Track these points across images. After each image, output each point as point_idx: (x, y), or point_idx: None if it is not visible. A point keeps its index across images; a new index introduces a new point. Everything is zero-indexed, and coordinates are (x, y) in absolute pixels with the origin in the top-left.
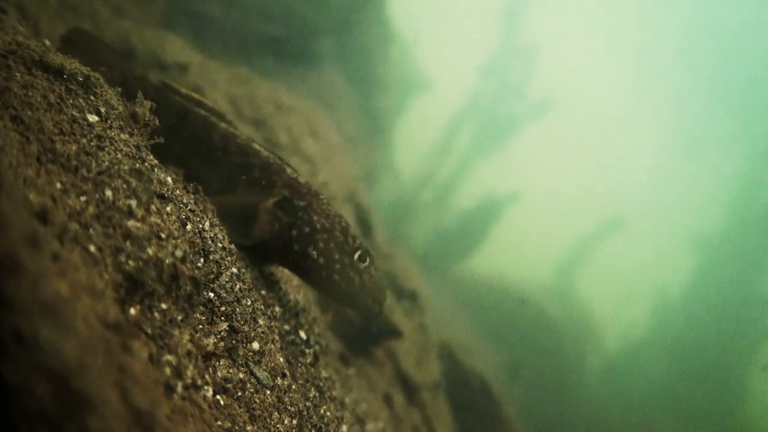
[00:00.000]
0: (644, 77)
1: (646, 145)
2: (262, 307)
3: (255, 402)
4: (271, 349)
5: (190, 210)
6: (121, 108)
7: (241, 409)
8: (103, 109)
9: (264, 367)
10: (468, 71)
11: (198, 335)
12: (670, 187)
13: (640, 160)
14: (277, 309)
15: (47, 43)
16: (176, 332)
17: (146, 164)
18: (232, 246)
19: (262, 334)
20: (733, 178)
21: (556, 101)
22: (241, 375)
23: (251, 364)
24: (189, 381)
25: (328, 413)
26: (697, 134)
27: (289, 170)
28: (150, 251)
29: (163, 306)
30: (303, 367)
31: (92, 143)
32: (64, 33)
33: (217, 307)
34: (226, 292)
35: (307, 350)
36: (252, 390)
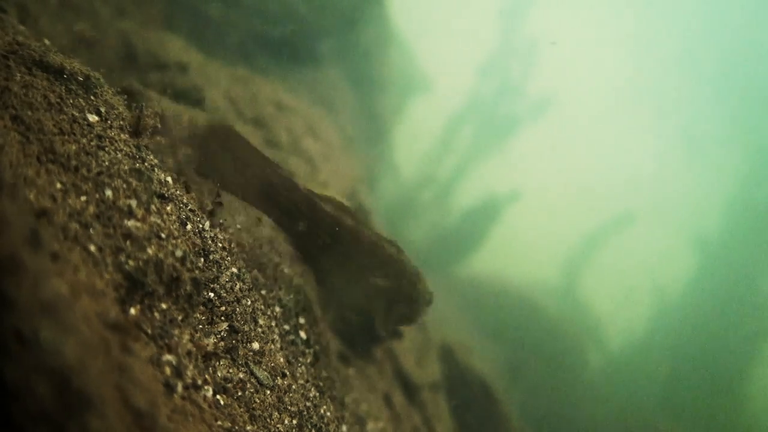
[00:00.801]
0: (646, 77)
1: (646, 145)
2: (262, 307)
3: (255, 402)
4: (271, 349)
5: (191, 210)
6: (121, 108)
7: (241, 409)
8: (103, 109)
9: (264, 367)
10: (468, 70)
11: (198, 335)
12: (670, 186)
13: (640, 160)
14: (277, 309)
15: (47, 42)
16: (176, 332)
17: (146, 164)
18: (233, 246)
19: (262, 334)
20: (734, 178)
21: (556, 100)
22: (241, 375)
23: (251, 364)
24: (189, 381)
25: (328, 413)
26: (698, 134)
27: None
28: (150, 251)
29: (163, 306)
30: (303, 367)
31: (92, 143)
32: (206, 125)
33: (217, 306)
34: (226, 292)
35: (307, 350)
36: (252, 390)
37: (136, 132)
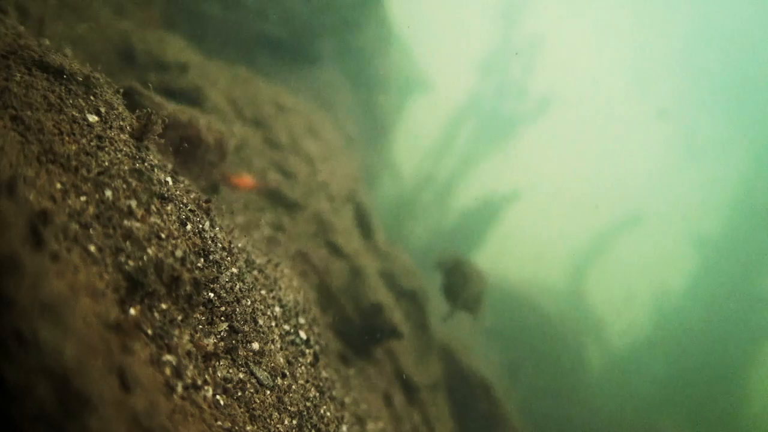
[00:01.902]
0: (648, 78)
1: (648, 147)
2: (262, 307)
3: (255, 402)
4: (271, 349)
5: (190, 210)
6: (121, 108)
7: (241, 409)
8: (103, 110)
9: (264, 367)
10: (468, 70)
11: (198, 335)
12: (672, 188)
13: (642, 162)
14: (277, 309)
15: (47, 43)
16: (176, 332)
17: (146, 164)
18: (233, 246)
19: (262, 334)
20: (735, 179)
21: (557, 100)
22: (241, 375)
23: (251, 364)
24: (189, 381)
25: (328, 413)
26: (700, 135)
27: None
28: (150, 251)
29: (163, 306)
30: (303, 368)
31: (92, 143)
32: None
33: (217, 307)
34: (226, 292)
35: (307, 350)
36: (252, 390)
37: (141, 137)
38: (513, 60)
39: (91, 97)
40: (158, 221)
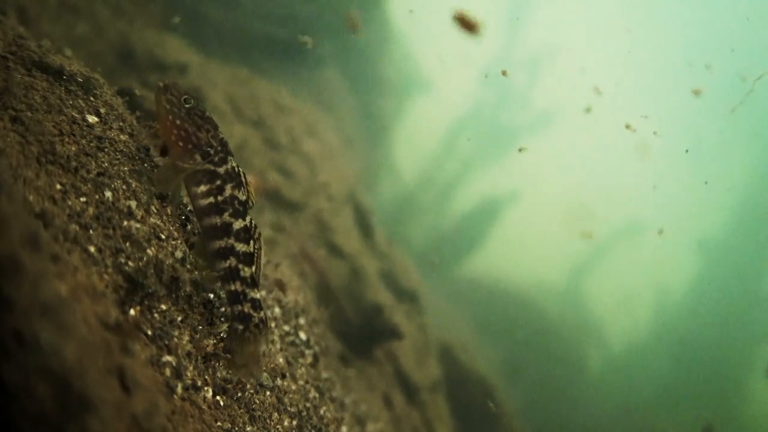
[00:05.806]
0: (649, 80)
1: (649, 148)
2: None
3: (255, 403)
4: (270, 350)
5: (190, 210)
6: (121, 109)
7: (241, 410)
8: (102, 110)
9: (264, 368)
10: (471, 75)
11: (198, 336)
12: (673, 189)
13: (643, 163)
14: (276, 310)
15: (47, 43)
16: (176, 333)
17: (146, 165)
18: None
19: None
20: (737, 181)
21: (560, 112)
22: None
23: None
24: (189, 382)
25: (328, 414)
26: (702, 137)
27: None
28: (150, 252)
29: (163, 307)
30: (303, 368)
31: (92, 144)
32: None
33: (216, 308)
34: None
35: (307, 351)
36: (252, 391)
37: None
38: (517, 69)
39: (91, 98)
40: (158, 222)
